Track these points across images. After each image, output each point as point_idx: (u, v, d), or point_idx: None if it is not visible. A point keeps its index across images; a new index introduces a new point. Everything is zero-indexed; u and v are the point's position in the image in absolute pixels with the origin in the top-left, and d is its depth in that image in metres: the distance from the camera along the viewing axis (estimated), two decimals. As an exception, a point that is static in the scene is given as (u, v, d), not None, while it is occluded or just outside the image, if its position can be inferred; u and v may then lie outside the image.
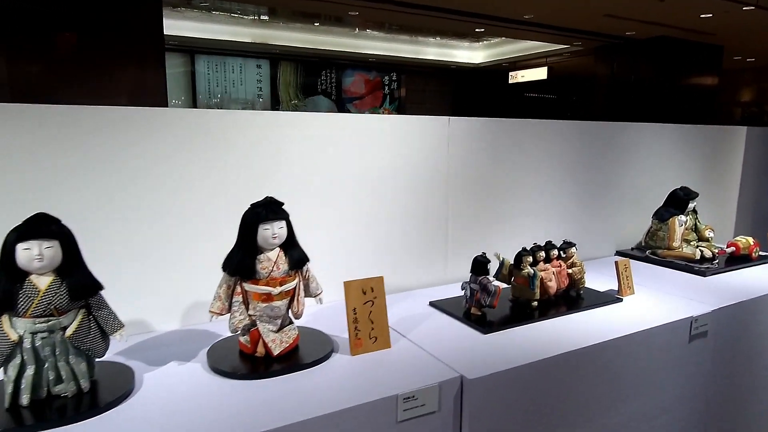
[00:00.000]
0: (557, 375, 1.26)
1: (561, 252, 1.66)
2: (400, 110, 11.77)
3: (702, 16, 6.55)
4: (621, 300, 1.64)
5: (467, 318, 1.47)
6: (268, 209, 1.11)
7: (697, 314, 1.53)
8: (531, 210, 2.00)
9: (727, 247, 2.13)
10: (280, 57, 10.14)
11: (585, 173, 2.14)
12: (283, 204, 1.15)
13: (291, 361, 1.15)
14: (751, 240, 2.13)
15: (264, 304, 1.13)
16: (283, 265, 1.14)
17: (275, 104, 10.31)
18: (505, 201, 1.92)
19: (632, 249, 2.29)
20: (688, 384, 1.57)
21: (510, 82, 10.95)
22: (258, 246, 1.12)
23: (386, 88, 11.54)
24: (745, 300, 1.68)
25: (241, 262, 1.10)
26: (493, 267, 1.56)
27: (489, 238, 1.89)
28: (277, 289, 1.13)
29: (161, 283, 1.35)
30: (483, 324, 1.42)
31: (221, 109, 9.63)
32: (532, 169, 1.98)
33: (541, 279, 1.56)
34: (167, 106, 5.32)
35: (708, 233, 2.15)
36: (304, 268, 1.20)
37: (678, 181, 2.41)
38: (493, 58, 10.97)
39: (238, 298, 1.13)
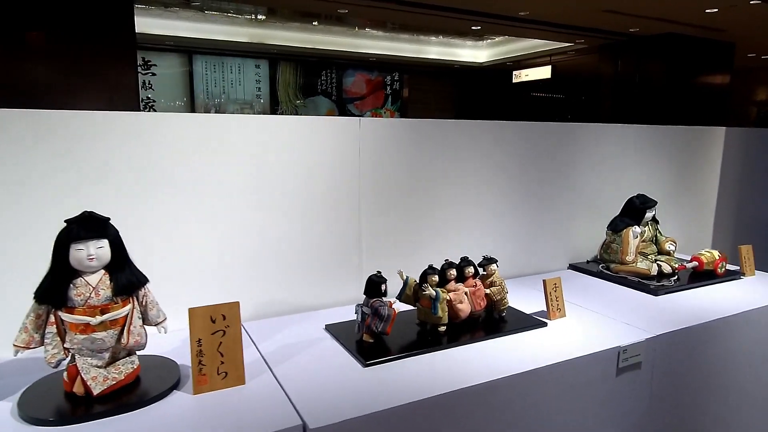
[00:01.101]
0: (442, 417, 1.09)
1: (482, 269, 1.49)
2: (403, 111, 11.60)
3: (707, 11, 6.24)
4: (545, 324, 1.45)
5: (359, 345, 1.30)
6: (82, 226, 0.96)
7: (627, 343, 1.33)
8: (466, 221, 1.82)
9: (689, 262, 1.92)
10: (279, 57, 10.05)
11: (533, 179, 1.95)
12: (107, 219, 1.00)
13: (116, 401, 1.00)
14: (716, 253, 1.91)
15: (82, 336, 0.98)
16: (105, 291, 0.99)
17: (274, 105, 10.23)
18: (432, 211, 1.74)
19: (588, 262, 2.08)
20: (621, 425, 1.37)
21: (514, 81, 10.67)
22: (73, 269, 0.97)
23: (388, 88, 11.37)
24: (692, 326, 1.47)
25: (48, 288, 0.95)
26: (399, 286, 1.39)
27: (414, 252, 1.71)
28: (97, 319, 0.98)
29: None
30: (368, 354, 1.24)
31: (220, 110, 9.62)
32: (467, 176, 1.80)
33: (450, 301, 1.38)
34: (139, 108, 5.24)
35: (668, 246, 1.94)
36: (140, 293, 1.05)
37: (645, 187, 2.20)
38: (497, 57, 10.72)
39: (51, 328, 0.98)
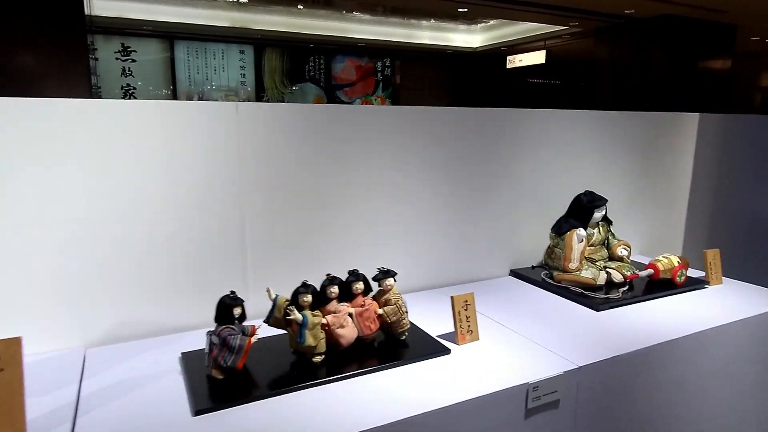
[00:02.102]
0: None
1: (378, 283, 1.24)
2: (395, 97, 11.27)
3: (704, -11, 5.88)
4: (448, 352, 1.21)
5: (208, 383, 1.06)
6: None
7: (539, 378, 1.09)
8: (382, 223, 1.57)
9: (644, 270, 1.67)
10: (264, 42, 9.75)
11: (468, 173, 1.69)
12: None
13: None
14: (675, 259, 1.66)
15: None
16: None
17: (260, 92, 9.94)
18: (339, 212, 1.49)
19: (533, 267, 1.83)
20: (532, 472, 1.13)
21: (508, 66, 10.32)
22: None
23: (379, 74, 11.05)
24: (628, 352, 1.22)
25: None
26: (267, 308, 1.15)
27: (315, 263, 1.46)
28: None
29: None
30: (210, 396, 1.01)
31: (203, 98, 9.35)
32: (382, 169, 1.54)
33: (327, 325, 1.14)
34: (90, 95, 5.00)
35: (621, 251, 1.68)
36: None
37: (603, 182, 1.94)
38: (491, 42, 10.35)
39: None
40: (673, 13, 7.02)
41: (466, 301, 1.26)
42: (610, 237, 1.72)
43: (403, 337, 1.25)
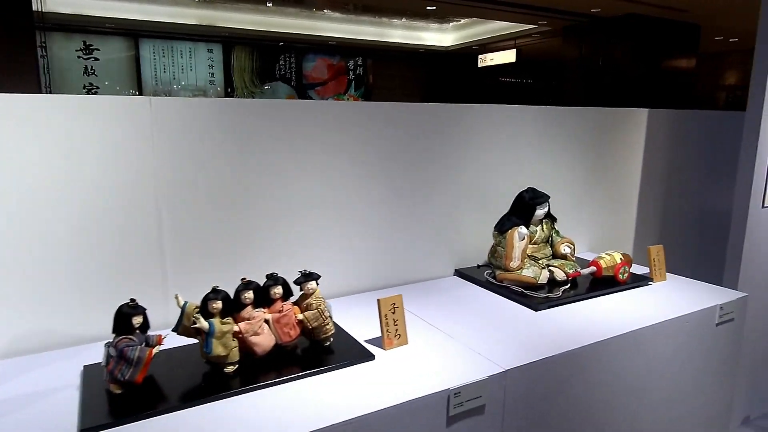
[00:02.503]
0: None
1: (300, 287, 1.18)
2: (367, 97, 11.21)
3: (667, -12, 5.96)
4: (373, 358, 1.15)
5: (107, 397, 0.98)
6: None
7: (462, 383, 1.04)
8: (315, 223, 1.50)
9: (587, 267, 1.64)
10: (232, 41, 9.58)
11: (408, 171, 1.64)
12: None
13: None
14: (618, 256, 1.63)
15: None
16: None
17: (230, 91, 9.77)
18: (266, 212, 1.42)
19: (479, 267, 1.79)
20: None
21: (480, 65, 10.35)
22: None
23: (351, 73, 10.97)
24: (557, 354, 1.19)
25: None
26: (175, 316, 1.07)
27: (240, 265, 1.39)
28: None
29: None
30: (109, 411, 0.93)
31: (170, 95, 9.13)
32: (315, 167, 1.48)
33: (240, 333, 1.07)
34: (40, 90, 4.81)
35: (564, 248, 1.65)
36: None
37: (551, 178, 1.92)
38: (463, 41, 10.37)
39: None
40: (638, 12, 7.12)
41: (394, 303, 1.21)
42: (553, 234, 1.69)
43: (328, 343, 1.19)
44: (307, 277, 1.17)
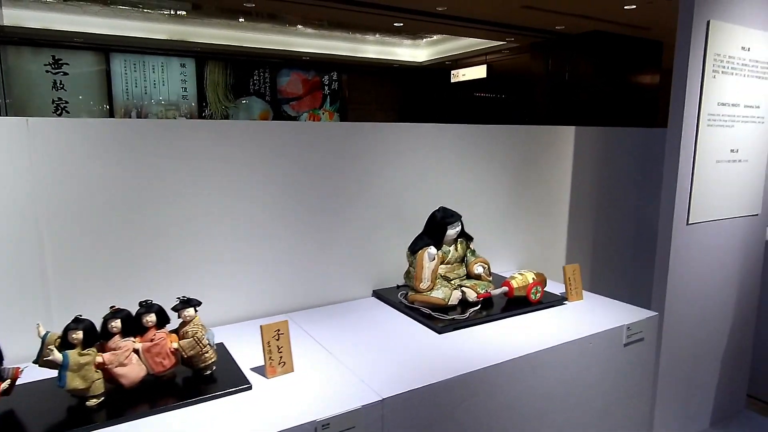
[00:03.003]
0: None
1: (178, 314, 1.14)
2: (343, 111, 11.24)
3: (626, 7, 6.11)
4: (250, 387, 1.12)
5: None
6: None
7: (328, 416, 1.01)
8: (218, 245, 1.47)
9: (499, 287, 1.63)
10: (205, 55, 9.56)
11: (321, 191, 1.62)
12: None
13: None
14: (530, 276, 1.62)
15: None
16: None
17: (203, 106, 9.71)
18: (163, 236, 1.39)
19: (398, 287, 1.77)
20: None
21: (452, 80, 10.47)
22: None
23: (326, 88, 11.00)
24: (444, 380, 1.16)
25: None
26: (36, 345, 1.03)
27: (136, 289, 1.35)
28: None
29: None
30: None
31: (142, 112, 9.06)
32: (219, 187, 1.45)
33: (104, 364, 1.03)
34: None
35: (477, 268, 1.64)
36: None
37: (477, 197, 1.91)
38: (436, 56, 10.49)
39: None
40: (602, 29, 7.28)
41: (278, 330, 1.18)
42: (468, 254, 1.68)
43: (209, 371, 1.16)
44: (185, 303, 1.14)
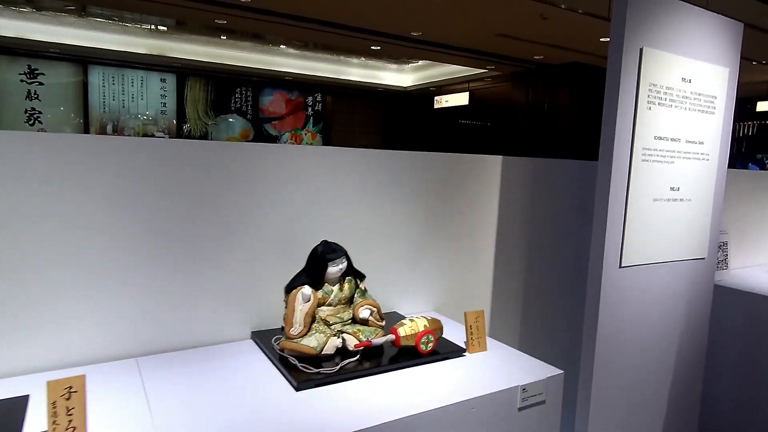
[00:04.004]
0: None
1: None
2: (326, 133, 11.15)
3: (602, 39, 6.07)
4: (13, 461, 0.91)
5: None
6: None
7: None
8: (54, 277, 1.27)
9: (388, 335, 1.43)
10: (187, 71, 9.47)
11: (191, 214, 1.43)
12: None
13: None
14: (422, 323, 1.43)
15: None
16: None
17: (182, 122, 9.59)
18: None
19: (282, 329, 1.56)
20: None
21: (436, 106, 10.42)
22: None
23: (310, 108, 10.92)
24: (266, 456, 0.96)
25: None
26: None
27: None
28: None
29: None
30: None
31: (118, 125, 8.92)
32: (52, 209, 1.26)
33: None
34: None
35: (362, 312, 1.44)
36: None
37: (384, 229, 1.73)
38: (420, 82, 10.47)
39: None
40: (581, 61, 7.25)
41: (70, 387, 0.97)
42: (356, 295, 1.48)
43: None
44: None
